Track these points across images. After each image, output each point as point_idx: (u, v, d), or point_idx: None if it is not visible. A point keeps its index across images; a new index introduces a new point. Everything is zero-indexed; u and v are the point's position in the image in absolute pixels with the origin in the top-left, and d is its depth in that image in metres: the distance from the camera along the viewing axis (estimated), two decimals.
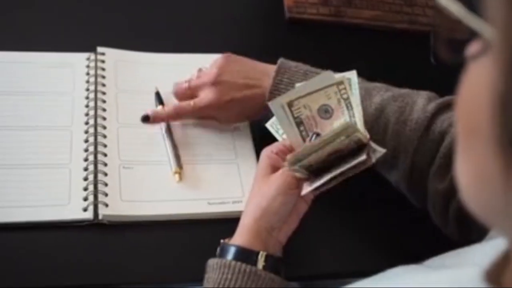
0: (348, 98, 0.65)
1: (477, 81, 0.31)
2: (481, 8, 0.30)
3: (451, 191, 0.66)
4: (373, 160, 0.62)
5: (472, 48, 0.32)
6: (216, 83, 0.77)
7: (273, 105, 0.65)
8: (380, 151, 0.63)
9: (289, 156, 0.63)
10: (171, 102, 0.82)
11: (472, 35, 0.30)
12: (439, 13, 0.33)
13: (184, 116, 0.80)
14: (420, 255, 0.72)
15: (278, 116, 0.65)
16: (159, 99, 0.83)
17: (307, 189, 0.63)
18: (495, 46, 0.29)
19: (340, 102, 0.65)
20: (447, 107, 0.71)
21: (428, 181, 0.69)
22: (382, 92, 0.73)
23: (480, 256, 0.41)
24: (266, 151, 0.68)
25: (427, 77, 0.95)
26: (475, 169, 0.32)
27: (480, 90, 0.30)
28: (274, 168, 0.66)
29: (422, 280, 0.45)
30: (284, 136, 0.69)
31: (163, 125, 0.80)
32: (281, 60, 0.79)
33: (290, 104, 0.64)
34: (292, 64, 0.79)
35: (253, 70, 0.79)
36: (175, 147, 0.78)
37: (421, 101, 0.72)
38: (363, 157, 0.61)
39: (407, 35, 1.05)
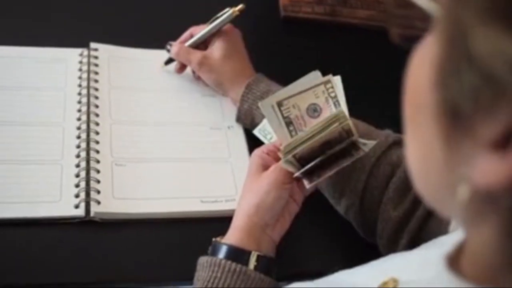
0: (335, 96, 0.67)
1: (421, 60, 0.32)
2: None
3: (405, 220, 0.66)
4: (366, 149, 0.64)
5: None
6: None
7: (263, 105, 0.66)
8: (371, 142, 0.65)
9: (283, 146, 0.64)
10: (165, 99, 0.82)
11: (423, 19, 0.31)
12: None
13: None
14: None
15: (268, 116, 0.66)
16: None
17: (299, 172, 0.64)
18: (439, 22, 0.30)
19: (328, 101, 0.67)
20: None
21: (381, 206, 0.68)
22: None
23: (451, 239, 0.41)
24: (257, 151, 0.69)
25: None
26: (421, 150, 0.33)
27: (423, 67, 0.31)
28: (266, 168, 0.66)
29: (397, 261, 0.46)
30: (272, 140, 0.71)
31: None
32: (252, 80, 0.80)
33: (279, 104, 0.66)
34: (261, 88, 0.79)
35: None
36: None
37: (386, 131, 0.72)
38: (354, 136, 0.64)
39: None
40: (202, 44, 0.84)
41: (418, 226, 0.64)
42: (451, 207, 0.33)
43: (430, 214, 0.63)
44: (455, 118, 0.29)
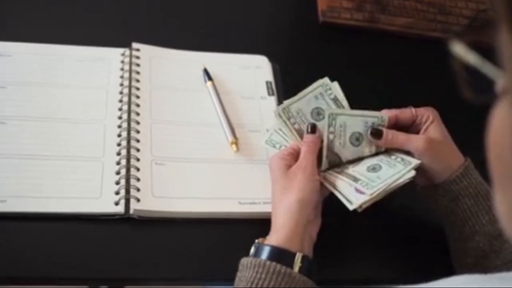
0: (335, 97, 0.74)
1: (500, 124, 0.33)
2: (497, 57, 0.32)
3: None
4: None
5: (498, 87, 0.33)
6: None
7: (282, 110, 0.72)
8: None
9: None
10: (205, 100, 0.83)
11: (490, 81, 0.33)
12: (457, 61, 0.35)
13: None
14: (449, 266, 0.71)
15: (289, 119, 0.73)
16: (208, 75, 0.86)
17: (363, 198, 0.66)
18: (509, 91, 0.31)
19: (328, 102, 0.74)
20: None
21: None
22: None
23: None
24: (276, 155, 0.70)
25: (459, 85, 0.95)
26: (509, 203, 0.34)
27: (504, 132, 0.32)
28: (289, 168, 0.68)
29: None
30: (282, 148, 0.74)
31: (214, 97, 0.83)
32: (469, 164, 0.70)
33: (287, 109, 0.73)
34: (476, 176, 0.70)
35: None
36: (228, 118, 0.81)
37: None
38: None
39: (440, 43, 1.04)
40: None
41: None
42: None
43: None
44: None
